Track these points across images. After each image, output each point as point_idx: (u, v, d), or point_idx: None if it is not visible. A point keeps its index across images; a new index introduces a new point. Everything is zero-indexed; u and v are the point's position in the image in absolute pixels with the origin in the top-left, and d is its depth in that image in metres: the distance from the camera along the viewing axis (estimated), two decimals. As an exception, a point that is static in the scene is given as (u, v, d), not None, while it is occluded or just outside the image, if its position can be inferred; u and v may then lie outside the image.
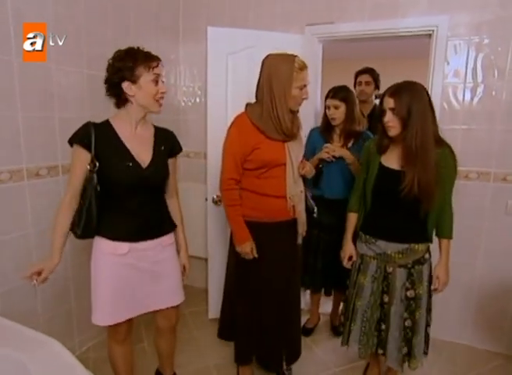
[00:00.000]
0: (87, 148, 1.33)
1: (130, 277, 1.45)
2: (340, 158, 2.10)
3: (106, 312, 1.45)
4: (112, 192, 1.37)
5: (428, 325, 1.69)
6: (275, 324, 1.80)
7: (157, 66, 1.38)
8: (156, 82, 1.37)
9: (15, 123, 1.71)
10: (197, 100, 2.80)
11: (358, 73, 2.82)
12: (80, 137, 1.34)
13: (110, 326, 1.49)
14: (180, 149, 1.61)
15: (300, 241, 1.81)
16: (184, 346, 2.25)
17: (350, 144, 2.17)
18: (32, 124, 1.78)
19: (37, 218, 1.85)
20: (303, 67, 1.60)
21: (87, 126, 1.36)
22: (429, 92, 2.17)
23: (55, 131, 1.90)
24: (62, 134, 1.93)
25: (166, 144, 1.52)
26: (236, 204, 1.70)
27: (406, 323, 1.65)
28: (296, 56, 1.61)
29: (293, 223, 1.76)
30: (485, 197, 2.19)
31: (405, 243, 1.59)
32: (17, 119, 1.72)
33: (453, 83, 2.17)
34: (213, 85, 2.26)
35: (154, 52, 1.38)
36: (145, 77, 1.34)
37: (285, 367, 2.01)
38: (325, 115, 2.21)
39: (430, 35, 2.18)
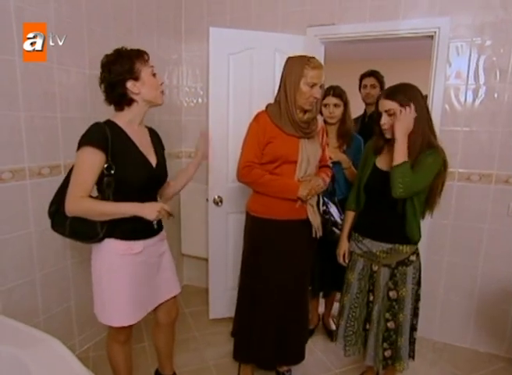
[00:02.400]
0: (105, 150, 1.29)
1: (144, 274, 1.47)
2: (336, 162, 2.10)
3: (125, 312, 1.43)
4: (125, 193, 1.36)
5: (414, 329, 1.68)
6: (276, 323, 1.80)
7: (148, 58, 1.41)
8: (154, 75, 1.40)
9: (17, 123, 1.72)
10: (199, 100, 2.80)
11: (363, 76, 2.82)
12: (96, 139, 1.29)
13: (115, 327, 1.48)
14: (164, 148, 1.64)
15: (314, 234, 1.77)
16: (184, 346, 2.25)
17: (344, 148, 2.17)
18: (34, 124, 1.79)
19: (38, 217, 1.86)
20: (316, 66, 1.64)
21: (102, 128, 1.32)
22: (431, 94, 2.20)
23: (57, 131, 1.91)
24: (64, 134, 1.94)
25: (159, 142, 1.57)
26: (261, 174, 1.69)
27: (388, 325, 1.65)
28: (312, 57, 1.67)
29: (303, 222, 1.76)
30: (487, 199, 2.18)
31: (389, 243, 1.60)
32: (19, 119, 1.72)
33: (455, 85, 2.17)
34: (215, 86, 2.27)
35: (155, 53, 1.39)
36: (145, 71, 1.37)
37: (285, 368, 2.01)
38: (321, 114, 2.20)
39: (432, 37, 2.18)
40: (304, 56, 1.67)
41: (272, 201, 1.72)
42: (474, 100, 2.14)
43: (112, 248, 1.40)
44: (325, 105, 2.16)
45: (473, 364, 2.19)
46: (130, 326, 1.52)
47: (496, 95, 2.09)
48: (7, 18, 1.62)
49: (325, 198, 1.89)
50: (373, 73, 2.78)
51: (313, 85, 1.64)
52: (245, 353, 1.90)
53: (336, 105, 2.13)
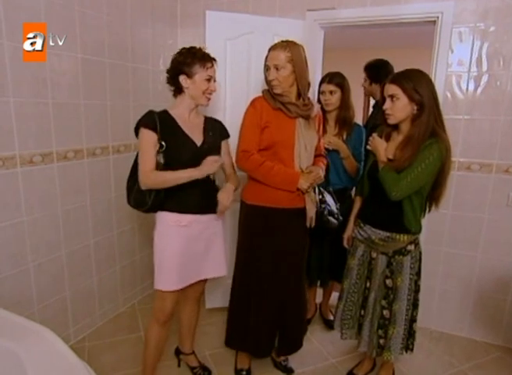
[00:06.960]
0: (154, 130, 1.50)
1: (191, 247, 1.62)
2: (334, 150, 2.07)
3: (171, 278, 1.59)
4: (175, 167, 1.52)
5: (413, 320, 1.69)
6: (272, 312, 1.80)
7: (211, 66, 1.57)
8: (208, 81, 1.57)
9: (7, 109, 1.66)
10: (196, 88, 2.74)
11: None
12: (147, 122, 1.52)
13: (158, 304, 1.63)
14: (228, 135, 1.77)
15: (308, 224, 1.74)
16: (181, 336, 2.25)
17: (344, 136, 2.12)
18: (25, 110, 1.73)
19: (30, 206, 1.82)
20: (270, 48, 1.67)
21: (151, 113, 1.55)
22: (432, 81, 2.15)
23: (49, 117, 1.85)
24: (57, 120, 1.89)
25: (214, 130, 1.69)
26: (260, 161, 1.66)
27: (384, 313, 1.67)
28: (283, 40, 1.67)
29: (299, 211, 1.73)
30: (487, 188, 2.16)
31: (387, 231, 1.61)
32: (9, 105, 1.67)
33: (457, 72, 2.12)
34: (211, 72, 2.21)
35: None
36: (200, 75, 1.54)
37: (282, 358, 2.01)
38: (319, 101, 2.16)
39: (434, 22, 2.13)
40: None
41: (268, 189, 1.69)
42: (476, 88, 2.10)
43: (165, 220, 1.60)
44: (322, 92, 2.12)
45: (469, 353, 2.20)
46: (174, 303, 1.65)
47: (498, 83, 2.05)
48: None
49: (321, 188, 1.86)
50: (365, 68, 2.51)
51: (268, 68, 1.66)
52: (239, 341, 1.90)
53: (331, 92, 2.08)
